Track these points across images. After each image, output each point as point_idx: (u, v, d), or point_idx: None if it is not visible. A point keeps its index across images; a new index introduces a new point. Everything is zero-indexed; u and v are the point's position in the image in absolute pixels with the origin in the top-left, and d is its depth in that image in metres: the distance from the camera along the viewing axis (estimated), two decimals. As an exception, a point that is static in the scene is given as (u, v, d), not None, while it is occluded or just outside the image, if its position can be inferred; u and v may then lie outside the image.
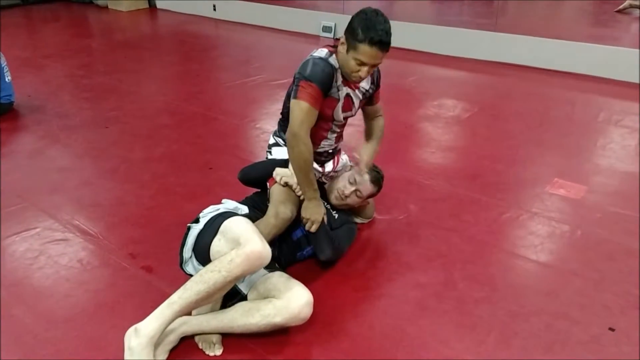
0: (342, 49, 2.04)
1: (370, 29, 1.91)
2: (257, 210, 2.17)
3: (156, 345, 1.71)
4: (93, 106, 4.27)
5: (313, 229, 2.11)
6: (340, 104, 2.18)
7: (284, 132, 2.21)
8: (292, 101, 2.04)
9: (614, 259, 2.39)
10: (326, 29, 6.79)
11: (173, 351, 1.80)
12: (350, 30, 1.98)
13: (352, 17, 2.00)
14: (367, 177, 2.33)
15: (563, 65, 5.39)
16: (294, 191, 2.12)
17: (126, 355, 1.67)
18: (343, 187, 2.33)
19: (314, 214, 2.10)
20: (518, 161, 3.38)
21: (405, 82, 4.92)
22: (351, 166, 2.49)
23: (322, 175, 2.38)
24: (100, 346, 1.84)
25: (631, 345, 1.89)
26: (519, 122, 4.09)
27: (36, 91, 4.54)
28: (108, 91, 4.63)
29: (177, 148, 3.49)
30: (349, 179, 2.33)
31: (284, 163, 2.19)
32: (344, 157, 2.53)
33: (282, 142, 2.31)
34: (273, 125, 3.81)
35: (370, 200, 2.56)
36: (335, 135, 2.33)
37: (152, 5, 8.48)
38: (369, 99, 2.34)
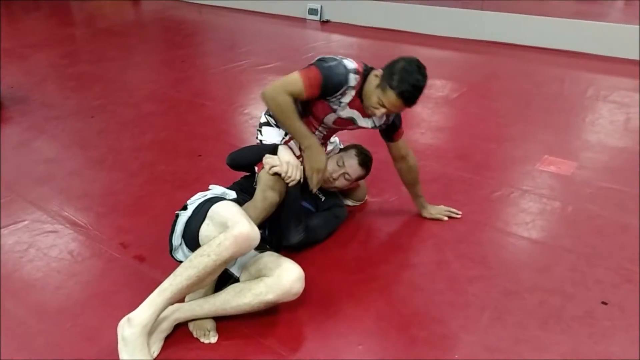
0: (374, 80, 2.03)
1: (405, 82, 1.91)
2: (245, 193, 2.16)
3: (150, 333, 1.70)
4: (78, 95, 4.21)
5: (318, 178, 2.10)
6: (334, 116, 2.16)
7: None
8: (294, 72, 2.03)
9: (605, 233, 2.41)
10: (312, 11, 6.74)
11: (168, 339, 1.79)
12: (389, 71, 1.97)
13: (399, 59, 2.00)
14: (355, 159, 2.32)
15: (550, 42, 5.39)
16: (282, 178, 2.11)
17: (120, 345, 1.66)
18: (331, 169, 2.32)
19: (316, 162, 2.09)
20: (508, 139, 3.39)
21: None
22: (340, 148, 2.48)
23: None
24: (93, 337, 1.82)
25: (624, 319, 1.90)
26: (508, 100, 4.09)
27: (19, 82, 4.46)
28: (93, 80, 4.57)
29: (165, 136, 3.46)
30: (337, 161, 2.32)
31: (273, 149, 2.17)
32: (334, 139, 2.51)
33: (274, 121, 2.29)
34: (261, 110, 3.79)
35: (362, 182, 2.55)
36: (322, 135, 2.31)
37: (134, -8, 8.36)
38: (385, 134, 2.30)
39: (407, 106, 1.99)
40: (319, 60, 2.06)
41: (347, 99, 2.09)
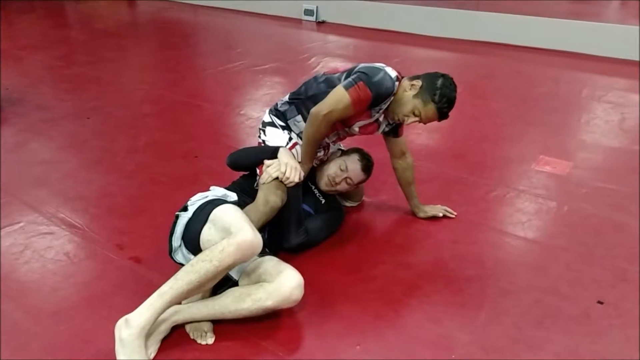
0: (410, 89, 2.08)
1: (445, 99, 2.05)
2: (245, 195, 2.15)
3: (147, 335, 1.69)
4: (74, 97, 4.20)
5: (274, 175, 2.05)
6: (364, 122, 2.21)
7: (299, 112, 2.24)
8: (340, 88, 2.06)
9: (600, 233, 2.42)
10: (308, 12, 6.74)
11: (164, 341, 1.79)
12: (431, 86, 2.05)
13: (437, 75, 2.09)
14: (358, 164, 2.32)
15: (545, 42, 5.41)
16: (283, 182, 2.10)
17: (117, 347, 1.65)
18: (334, 173, 2.31)
19: (294, 166, 2.09)
20: (504, 139, 3.40)
21: (389, 64, 4.90)
22: (341, 151, 2.47)
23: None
24: (90, 338, 1.82)
25: (620, 318, 1.91)
26: (503, 100, 4.10)
27: (14, 83, 4.45)
28: (88, 81, 4.55)
29: (160, 137, 3.45)
30: (340, 165, 2.32)
31: (273, 151, 2.16)
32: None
33: (280, 122, 2.28)
34: (258, 112, 3.80)
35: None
36: (337, 137, 2.34)
37: (130, -7, 8.35)
38: (392, 130, 2.35)
39: (439, 120, 2.10)
40: (365, 74, 2.05)
41: (386, 105, 2.14)
